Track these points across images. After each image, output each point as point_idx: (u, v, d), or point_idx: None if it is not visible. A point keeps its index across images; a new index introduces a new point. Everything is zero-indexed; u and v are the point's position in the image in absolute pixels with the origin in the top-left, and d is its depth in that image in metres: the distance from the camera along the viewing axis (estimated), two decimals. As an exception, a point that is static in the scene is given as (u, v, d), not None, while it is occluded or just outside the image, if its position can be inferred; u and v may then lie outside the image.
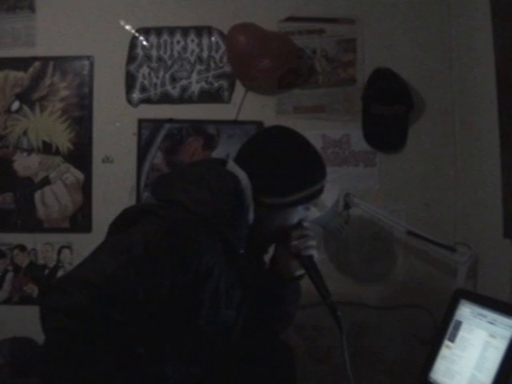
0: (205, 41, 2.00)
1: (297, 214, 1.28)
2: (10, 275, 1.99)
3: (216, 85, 2.00)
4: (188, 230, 1.12)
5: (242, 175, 1.22)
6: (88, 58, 2.00)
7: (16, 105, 2.01)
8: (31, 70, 2.01)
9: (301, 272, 1.34)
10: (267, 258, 1.41)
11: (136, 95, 2.01)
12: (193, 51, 2.00)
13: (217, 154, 1.97)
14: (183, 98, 2.00)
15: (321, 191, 1.29)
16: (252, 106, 1.98)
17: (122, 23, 2.01)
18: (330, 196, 1.42)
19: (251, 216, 1.22)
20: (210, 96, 2.00)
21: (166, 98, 2.01)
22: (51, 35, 2.01)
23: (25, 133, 2.01)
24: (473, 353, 1.26)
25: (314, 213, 1.49)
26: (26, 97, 2.01)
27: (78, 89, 2.00)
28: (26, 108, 2.01)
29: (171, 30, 2.01)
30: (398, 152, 1.96)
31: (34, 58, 2.01)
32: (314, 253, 1.30)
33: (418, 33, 1.96)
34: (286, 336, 1.53)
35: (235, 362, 1.30)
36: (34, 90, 2.01)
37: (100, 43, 2.00)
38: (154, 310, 1.09)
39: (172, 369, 1.17)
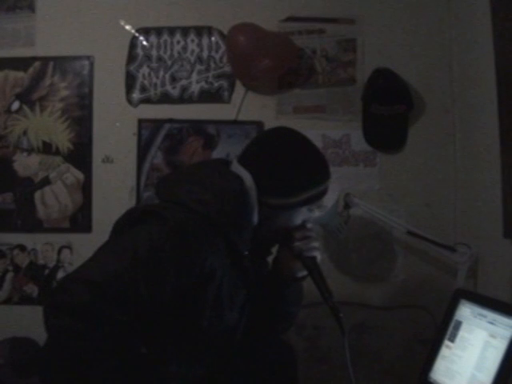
0: (205, 41, 2.00)
1: (300, 215, 1.28)
2: (9, 275, 2.00)
3: (216, 85, 2.00)
4: (192, 230, 1.12)
5: (246, 176, 1.22)
6: (88, 57, 2.00)
7: (16, 105, 2.01)
8: (31, 70, 2.01)
9: (303, 273, 1.34)
10: (270, 258, 1.40)
11: (136, 95, 2.01)
12: (193, 51, 2.00)
13: (217, 154, 1.97)
14: (183, 98, 2.00)
15: (324, 192, 1.29)
16: (252, 106, 1.98)
17: (122, 23, 2.01)
18: (330, 196, 1.41)
19: (255, 217, 1.22)
20: (209, 96, 2.00)
21: (165, 98, 2.01)
22: (51, 35, 2.01)
23: (25, 133, 2.01)
24: (473, 353, 1.26)
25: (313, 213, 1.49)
26: (26, 97, 2.01)
27: (78, 89, 2.00)
28: (26, 108, 2.01)
29: (171, 30, 2.01)
30: (398, 152, 1.96)
31: (34, 58, 2.01)
32: (317, 254, 1.30)
33: (418, 33, 1.96)
34: (286, 336, 1.53)
35: (237, 361, 1.30)
36: (33, 90, 2.01)
37: (100, 43, 2.00)
38: (157, 311, 1.09)
39: (175, 369, 1.17)
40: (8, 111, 2.01)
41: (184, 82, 2.01)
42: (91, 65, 2.00)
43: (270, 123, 1.94)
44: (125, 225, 1.20)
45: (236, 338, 1.28)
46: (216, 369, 1.26)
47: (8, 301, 1.98)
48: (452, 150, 1.94)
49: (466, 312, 1.34)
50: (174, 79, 2.01)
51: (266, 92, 1.98)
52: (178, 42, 2.01)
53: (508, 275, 1.52)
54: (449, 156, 1.95)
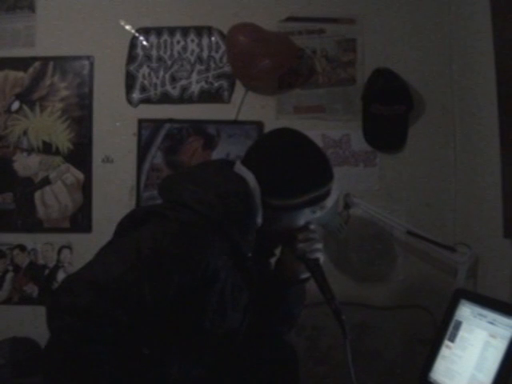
0: (205, 41, 2.00)
1: (303, 217, 1.28)
2: (9, 275, 2.00)
3: (216, 85, 2.00)
4: (196, 232, 1.12)
5: (249, 177, 1.22)
6: (88, 57, 2.00)
7: (16, 105, 2.01)
8: (31, 70, 2.01)
9: (306, 275, 1.34)
10: (273, 259, 1.40)
11: (136, 95, 2.01)
12: (193, 51, 2.00)
13: (217, 154, 1.97)
14: (183, 98, 2.00)
15: (327, 194, 1.28)
16: (252, 106, 1.98)
17: (122, 23, 2.01)
18: (330, 196, 1.41)
19: (259, 219, 1.22)
20: (209, 96, 2.00)
21: (166, 98, 2.01)
22: (51, 35, 2.01)
23: (25, 133, 2.01)
24: (473, 353, 1.26)
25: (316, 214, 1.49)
26: (26, 97, 2.01)
27: (78, 89, 2.00)
28: (26, 108, 2.01)
29: (171, 30, 2.01)
30: (398, 152, 1.96)
31: (34, 58, 2.01)
32: (320, 256, 1.30)
33: (418, 33, 1.96)
34: (287, 336, 1.53)
35: (239, 362, 1.30)
36: (34, 90, 2.01)
37: (100, 43, 2.00)
38: (160, 311, 1.09)
39: (177, 369, 1.17)
40: (8, 111, 2.01)
41: (184, 82, 2.01)
42: (91, 65, 2.00)
43: (270, 123, 1.94)
44: (128, 225, 1.20)
45: (238, 339, 1.28)
46: (218, 369, 1.26)
47: (8, 301, 1.98)
48: (452, 150, 1.94)
49: (466, 312, 1.34)
50: (173, 79, 2.01)
51: (266, 92, 1.98)
52: (178, 42, 2.01)
53: (508, 275, 1.52)
54: (449, 156, 1.95)
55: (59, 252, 1.99)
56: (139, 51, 2.01)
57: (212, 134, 1.98)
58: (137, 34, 2.01)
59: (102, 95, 2.00)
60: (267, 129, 1.95)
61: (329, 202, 1.32)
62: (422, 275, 1.92)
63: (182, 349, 1.17)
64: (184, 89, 2.00)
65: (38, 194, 2.00)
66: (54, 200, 1.99)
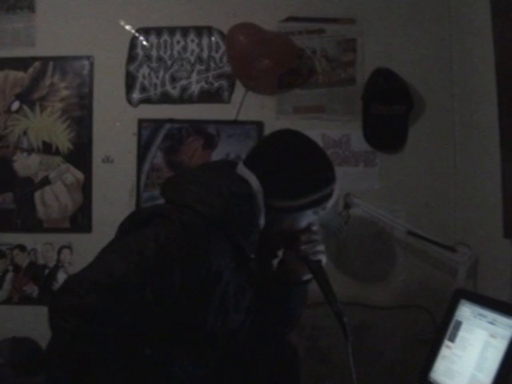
0: (205, 41, 2.00)
1: (306, 218, 1.28)
2: (9, 275, 1.99)
3: (216, 85, 2.00)
4: (199, 233, 1.12)
5: (252, 179, 1.22)
6: (88, 57, 2.00)
7: (16, 105, 2.01)
8: (31, 69, 2.01)
9: (308, 276, 1.34)
10: (275, 261, 1.40)
11: (136, 95, 2.01)
12: (193, 51, 2.00)
13: (217, 153, 1.97)
14: (183, 98, 2.00)
15: (330, 195, 1.28)
16: (252, 106, 1.98)
17: (122, 23, 2.01)
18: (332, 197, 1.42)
19: (262, 221, 1.22)
20: (209, 96, 2.00)
21: (165, 98, 2.01)
22: (51, 35, 2.01)
23: (25, 133, 2.01)
24: (473, 353, 1.26)
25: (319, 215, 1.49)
26: (26, 97, 2.01)
27: (78, 89, 2.00)
28: (26, 108, 2.01)
29: (171, 30, 2.01)
30: (398, 152, 1.96)
31: (34, 58, 2.01)
32: (323, 258, 1.30)
33: (418, 33, 1.96)
34: (288, 336, 1.53)
35: (241, 362, 1.30)
36: (33, 89, 2.01)
37: (100, 43, 2.00)
38: (162, 312, 1.09)
39: (178, 370, 1.17)
40: (8, 111, 2.01)
41: (184, 82, 2.01)
42: (91, 65, 2.00)
43: (270, 123, 1.94)
44: (130, 226, 1.19)
45: (240, 340, 1.28)
46: (220, 370, 1.26)
47: (8, 301, 1.98)
48: (452, 150, 1.94)
49: (466, 312, 1.34)
50: (173, 79, 2.01)
51: (266, 92, 1.98)
52: (178, 42, 2.01)
53: (508, 275, 1.52)
54: (449, 156, 1.95)
55: (59, 252, 1.99)
56: (139, 51, 2.01)
57: (212, 134, 1.98)
58: (137, 34, 2.01)
59: (102, 95, 2.00)
60: (267, 129, 1.95)
61: (330, 203, 1.32)
62: (422, 275, 1.92)
63: (184, 349, 1.17)
64: (184, 89, 2.00)
65: (37, 194, 2.00)
66: (54, 200, 1.99)
